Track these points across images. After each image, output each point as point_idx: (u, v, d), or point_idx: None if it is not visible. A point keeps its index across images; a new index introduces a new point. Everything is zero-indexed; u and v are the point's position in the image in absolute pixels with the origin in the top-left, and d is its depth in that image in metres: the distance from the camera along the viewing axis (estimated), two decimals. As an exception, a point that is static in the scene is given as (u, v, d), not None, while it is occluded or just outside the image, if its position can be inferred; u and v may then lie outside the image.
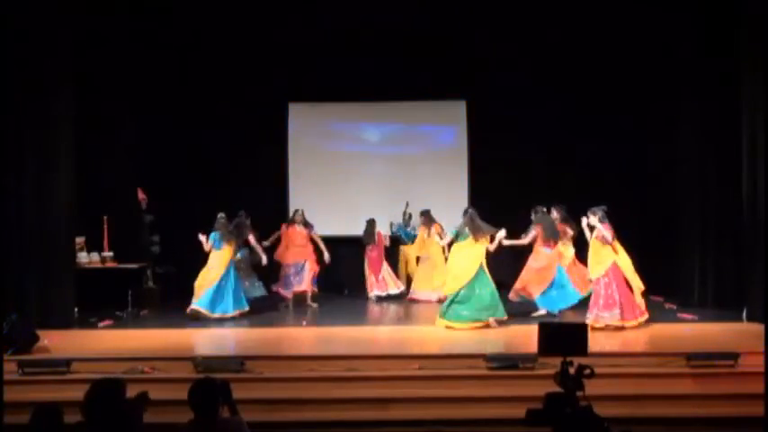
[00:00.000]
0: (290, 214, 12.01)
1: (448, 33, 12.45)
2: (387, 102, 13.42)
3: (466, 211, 9.88)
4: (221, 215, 10.77)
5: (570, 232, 10.53)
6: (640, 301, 9.31)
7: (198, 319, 10.19)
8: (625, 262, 9.34)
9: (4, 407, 5.44)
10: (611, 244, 9.23)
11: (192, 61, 12.77)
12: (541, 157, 12.95)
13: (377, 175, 13.50)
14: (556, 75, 12.74)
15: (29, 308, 9.17)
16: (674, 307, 10.83)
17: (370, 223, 12.34)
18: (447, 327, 9.41)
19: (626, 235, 12.63)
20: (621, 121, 12.56)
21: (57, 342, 8.37)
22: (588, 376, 4.22)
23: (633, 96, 12.31)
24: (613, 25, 12.03)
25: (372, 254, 12.26)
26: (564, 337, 4.61)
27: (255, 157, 13.09)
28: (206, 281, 10.42)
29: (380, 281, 12.19)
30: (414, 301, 11.95)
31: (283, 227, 11.78)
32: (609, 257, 9.24)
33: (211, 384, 4.16)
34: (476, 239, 9.48)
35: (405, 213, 12.87)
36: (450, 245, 10.09)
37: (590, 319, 9.03)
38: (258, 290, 11.56)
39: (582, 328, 4.67)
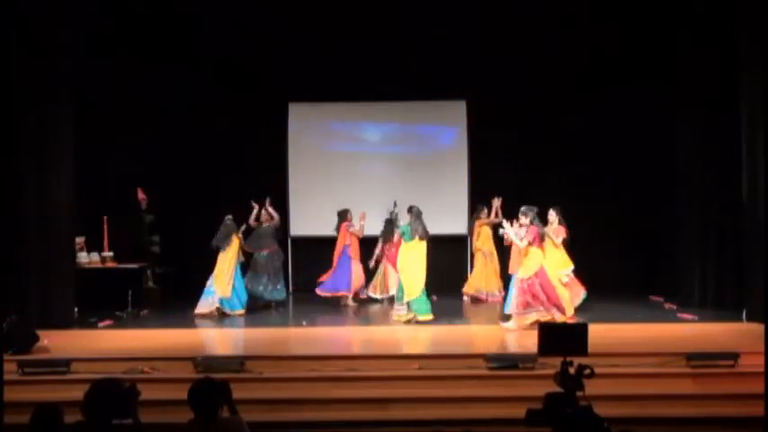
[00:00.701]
0: (347, 215, 11.76)
1: (448, 33, 12.44)
2: (387, 102, 13.41)
3: (410, 209, 10.22)
4: (228, 217, 10.89)
5: (564, 235, 10.47)
6: (567, 306, 9.30)
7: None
8: (552, 268, 9.35)
9: (4, 407, 5.43)
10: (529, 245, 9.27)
11: (192, 61, 12.76)
12: (542, 158, 12.94)
13: (377, 175, 13.48)
14: (556, 75, 12.73)
15: (29, 308, 9.17)
16: (674, 307, 10.83)
17: (390, 223, 12.29)
18: (418, 321, 9.71)
19: (626, 235, 12.75)
20: (622, 122, 12.57)
21: (57, 342, 8.36)
22: (588, 376, 4.22)
23: (633, 96, 12.30)
24: (613, 25, 12.03)
25: (390, 252, 12.18)
26: (564, 337, 4.62)
27: (255, 157, 13.09)
28: (227, 285, 10.62)
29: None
30: (477, 300, 11.85)
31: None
32: (539, 260, 9.27)
33: (211, 384, 4.16)
34: (420, 239, 9.96)
35: (392, 213, 12.79)
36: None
37: (515, 318, 9.17)
38: (280, 293, 11.56)
39: (582, 328, 4.68)
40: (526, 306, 9.18)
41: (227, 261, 10.74)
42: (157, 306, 11.44)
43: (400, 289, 10.01)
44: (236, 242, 10.83)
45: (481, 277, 12.02)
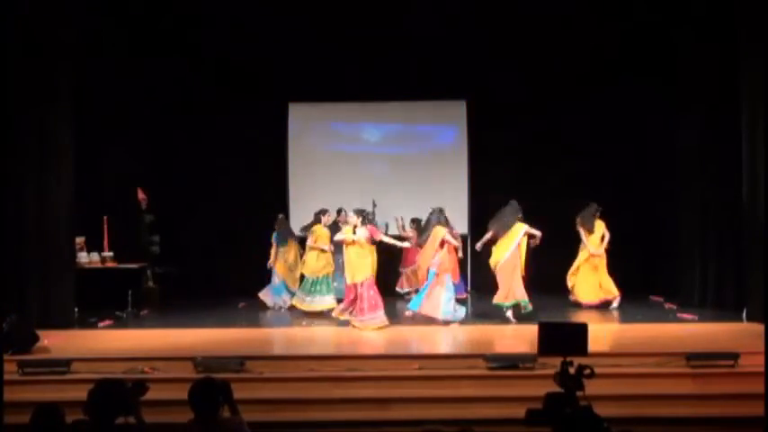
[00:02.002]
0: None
1: (448, 33, 12.43)
2: (387, 102, 13.40)
3: (324, 212, 10.95)
4: (281, 216, 11.49)
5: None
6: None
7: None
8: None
9: (4, 407, 5.43)
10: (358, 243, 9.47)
11: (192, 60, 12.75)
12: (541, 158, 12.93)
13: (377, 175, 13.48)
14: (556, 75, 12.72)
15: (29, 308, 9.17)
16: (674, 307, 10.83)
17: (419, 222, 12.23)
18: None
19: (626, 235, 12.73)
20: (622, 122, 12.56)
21: (57, 342, 8.37)
22: (588, 376, 4.22)
23: (633, 97, 12.30)
24: (613, 25, 12.03)
25: (418, 250, 12.07)
26: (564, 337, 4.61)
27: (255, 158, 13.09)
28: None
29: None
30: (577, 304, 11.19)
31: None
32: (374, 259, 9.40)
33: (211, 384, 4.16)
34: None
35: (371, 213, 12.70)
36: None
37: (357, 323, 9.34)
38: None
39: (582, 328, 4.67)
40: (375, 309, 9.33)
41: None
42: (157, 306, 11.44)
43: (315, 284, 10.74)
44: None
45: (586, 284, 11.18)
